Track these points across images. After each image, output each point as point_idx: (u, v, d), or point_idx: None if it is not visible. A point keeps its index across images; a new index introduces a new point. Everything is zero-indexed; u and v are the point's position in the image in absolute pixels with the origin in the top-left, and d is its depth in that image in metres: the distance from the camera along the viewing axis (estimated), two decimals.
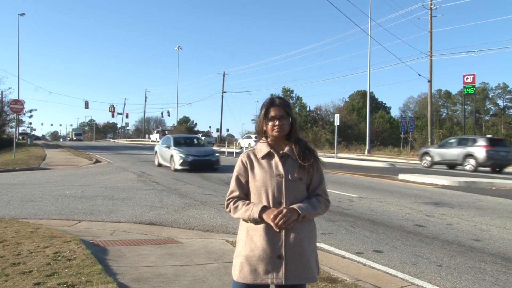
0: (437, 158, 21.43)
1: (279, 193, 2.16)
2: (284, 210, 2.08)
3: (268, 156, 2.24)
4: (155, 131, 69.51)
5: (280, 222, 2.06)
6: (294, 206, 2.13)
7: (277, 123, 2.21)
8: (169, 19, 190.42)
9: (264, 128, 2.28)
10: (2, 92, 43.13)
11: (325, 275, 4.30)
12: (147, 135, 73.12)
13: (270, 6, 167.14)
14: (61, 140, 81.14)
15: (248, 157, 2.29)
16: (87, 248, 4.86)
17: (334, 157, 27.52)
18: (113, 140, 79.80)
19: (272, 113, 2.23)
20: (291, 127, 2.26)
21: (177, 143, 17.41)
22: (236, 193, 2.26)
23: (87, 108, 68.39)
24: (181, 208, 8.33)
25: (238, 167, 2.30)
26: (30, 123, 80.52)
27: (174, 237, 6.11)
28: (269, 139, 2.30)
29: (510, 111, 77.41)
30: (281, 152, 2.25)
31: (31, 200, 8.97)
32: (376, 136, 49.72)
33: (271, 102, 2.26)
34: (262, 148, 2.28)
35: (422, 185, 13.49)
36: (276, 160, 2.22)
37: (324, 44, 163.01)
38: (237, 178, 2.27)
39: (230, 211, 2.26)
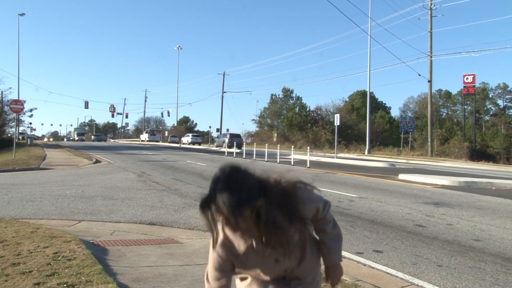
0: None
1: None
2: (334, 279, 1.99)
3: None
4: (145, 131, 69.85)
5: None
6: (330, 262, 1.97)
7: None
8: (169, 19, 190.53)
9: None
10: (2, 92, 43.22)
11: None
12: (141, 135, 73.18)
13: (270, 6, 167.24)
14: (64, 139, 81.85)
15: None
16: (87, 248, 4.86)
17: (334, 157, 27.53)
18: (113, 140, 79.83)
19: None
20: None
21: None
22: None
23: (87, 108, 68.66)
24: (181, 208, 8.33)
25: None
26: (30, 123, 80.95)
27: (174, 237, 6.11)
28: None
29: (510, 111, 77.45)
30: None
31: (31, 200, 8.97)
32: (376, 136, 49.75)
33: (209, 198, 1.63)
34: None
35: (422, 185, 13.49)
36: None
37: (324, 44, 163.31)
38: None
39: None
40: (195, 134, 59.12)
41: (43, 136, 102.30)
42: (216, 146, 45.11)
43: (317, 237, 1.95)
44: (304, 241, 1.82)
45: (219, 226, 1.71)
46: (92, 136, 74.61)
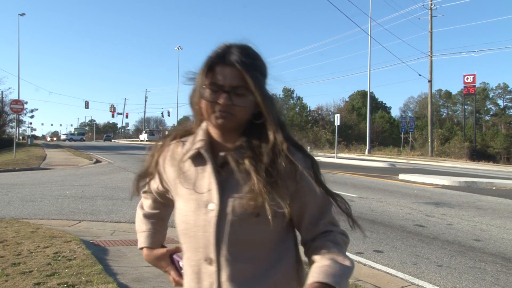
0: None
1: (206, 242, 1.10)
2: None
3: (197, 161, 1.15)
4: (144, 131, 70.87)
5: None
6: (317, 278, 1.05)
7: (222, 100, 1.08)
8: (169, 19, 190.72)
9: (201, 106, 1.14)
10: (2, 92, 43.26)
11: None
12: (140, 135, 73.96)
13: (270, 6, 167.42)
14: (66, 140, 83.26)
15: (167, 156, 1.24)
16: (87, 248, 4.86)
17: (334, 157, 27.54)
18: (113, 140, 80.00)
19: (217, 77, 1.10)
20: (254, 110, 1.13)
21: None
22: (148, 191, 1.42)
23: (87, 108, 68.83)
24: None
25: (149, 164, 1.30)
26: (31, 123, 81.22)
27: (174, 237, 6.08)
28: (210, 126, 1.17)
29: (510, 111, 77.39)
30: (221, 154, 1.14)
31: (31, 200, 8.97)
32: (376, 136, 49.77)
33: (220, 55, 1.12)
34: (195, 140, 1.18)
35: (422, 185, 13.49)
36: (208, 170, 1.13)
37: (324, 44, 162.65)
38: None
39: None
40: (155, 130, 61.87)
41: (45, 136, 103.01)
42: (140, 140, 59.27)
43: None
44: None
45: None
46: (104, 136, 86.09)
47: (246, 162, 1.10)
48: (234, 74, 1.09)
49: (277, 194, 1.09)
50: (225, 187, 1.11)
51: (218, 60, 1.11)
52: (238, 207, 1.09)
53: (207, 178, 1.12)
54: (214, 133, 1.16)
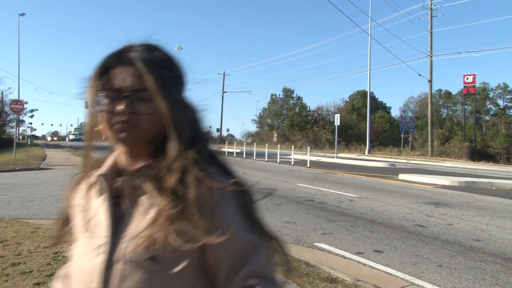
0: None
1: None
2: None
3: (98, 192, 0.92)
4: None
5: None
6: None
7: (120, 108, 0.86)
8: (169, 19, 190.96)
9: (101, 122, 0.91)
10: (2, 92, 43.31)
11: (325, 275, 4.30)
12: None
13: (270, 6, 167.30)
14: (66, 139, 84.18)
15: (78, 190, 0.99)
16: None
17: (334, 157, 27.56)
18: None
19: (113, 81, 0.88)
20: (161, 119, 0.87)
21: None
22: None
23: (87, 108, 69.21)
24: None
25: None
26: (31, 123, 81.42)
27: None
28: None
29: (510, 111, 77.42)
30: (117, 180, 0.91)
31: (31, 200, 8.97)
32: (376, 136, 49.78)
33: (117, 54, 0.91)
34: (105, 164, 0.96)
35: (422, 185, 13.49)
36: (99, 202, 0.90)
37: (324, 44, 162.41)
38: None
39: None
40: None
41: (45, 136, 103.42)
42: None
43: None
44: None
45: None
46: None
47: (147, 185, 0.84)
48: (134, 75, 0.86)
49: (185, 227, 0.79)
50: (121, 223, 0.85)
51: (114, 60, 0.89)
52: (130, 249, 0.82)
53: (102, 213, 0.87)
54: (123, 155, 0.92)
